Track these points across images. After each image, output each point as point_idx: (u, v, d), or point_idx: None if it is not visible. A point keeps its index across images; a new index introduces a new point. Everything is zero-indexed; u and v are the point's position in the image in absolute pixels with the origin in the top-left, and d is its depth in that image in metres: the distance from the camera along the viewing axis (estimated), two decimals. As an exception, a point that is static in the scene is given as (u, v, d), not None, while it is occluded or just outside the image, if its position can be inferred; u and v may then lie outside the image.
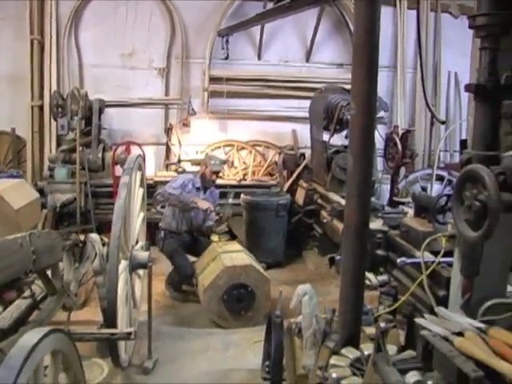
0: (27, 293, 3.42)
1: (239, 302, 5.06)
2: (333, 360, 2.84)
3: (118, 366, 3.86)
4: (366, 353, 2.80)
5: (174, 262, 5.71)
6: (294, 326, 3.67)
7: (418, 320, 2.10)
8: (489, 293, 2.70)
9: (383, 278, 4.41)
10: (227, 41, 6.32)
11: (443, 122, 6.29)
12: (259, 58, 8.59)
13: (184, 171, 7.52)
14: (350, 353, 2.86)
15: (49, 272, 3.41)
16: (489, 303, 2.65)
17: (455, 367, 1.78)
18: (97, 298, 4.88)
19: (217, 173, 6.09)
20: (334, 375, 2.65)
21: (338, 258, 5.01)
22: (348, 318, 3.05)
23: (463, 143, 2.02)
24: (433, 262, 3.39)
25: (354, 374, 2.66)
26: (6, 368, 1.60)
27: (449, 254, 3.45)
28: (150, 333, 4.30)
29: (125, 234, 3.94)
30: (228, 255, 5.31)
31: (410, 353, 2.39)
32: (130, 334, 3.42)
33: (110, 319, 3.55)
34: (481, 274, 2.73)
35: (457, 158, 8.76)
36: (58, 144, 7.78)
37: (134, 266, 4.28)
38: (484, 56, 1.78)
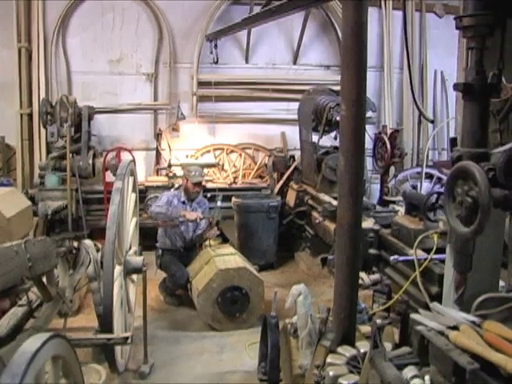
0: (23, 300, 3.43)
1: (233, 304, 5.09)
2: (329, 358, 2.87)
3: (114, 371, 3.87)
4: (362, 350, 2.85)
5: (170, 270, 5.73)
6: (289, 326, 3.71)
7: (413, 315, 2.13)
8: (482, 287, 2.76)
9: (375, 277, 4.45)
10: (215, 45, 6.34)
11: (432, 121, 6.37)
12: (247, 61, 8.63)
13: (175, 175, 7.52)
14: (346, 351, 2.90)
15: (44, 279, 3.43)
16: (482, 298, 2.70)
17: (451, 360, 1.81)
18: (91, 305, 4.91)
19: (198, 184, 6.07)
20: (331, 373, 2.69)
21: (330, 257, 5.06)
22: (343, 317, 3.08)
23: (453, 141, 2.07)
24: (425, 259, 3.44)
25: (351, 372, 2.71)
26: (9, 374, 1.62)
27: (440, 250, 3.51)
28: (146, 337, 4.31)
29: (118, 240, 3.95)
30: (221, 258, 5.34)
31: (405, 349, 2.42)
32: (126, 338, 3.44)
33: (106, 324, 3.56)
34: (473, 269, 2.79)
35: (445, 156, 8.86)
36: (48, 151, 7.76)
37: (129, 271, 4.29)
38: (471, 56, 1.83)
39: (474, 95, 1.83)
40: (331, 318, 3.26)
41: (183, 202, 6.00)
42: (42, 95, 7.73)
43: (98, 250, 4.24)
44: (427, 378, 1.95)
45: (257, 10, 7.62)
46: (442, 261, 3.40)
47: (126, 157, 7.13)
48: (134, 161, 6.69)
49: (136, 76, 8.32)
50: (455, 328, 2.00)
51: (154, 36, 8.27)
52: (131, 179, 4.52)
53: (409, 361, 2.20)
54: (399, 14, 8.57)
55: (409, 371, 2.03)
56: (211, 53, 6.34)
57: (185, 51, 8.34)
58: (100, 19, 8.05)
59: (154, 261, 5.99)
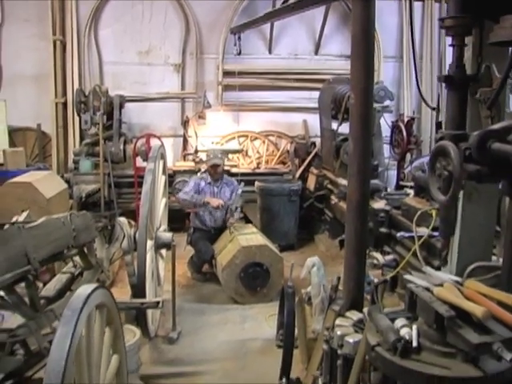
0: (66, 268, 3.87)
1: (255, 279, 5.47)
2: (338, 321, 3.23)
3: (146, 335, 4.29)
4: (367, 316, 3.20)
5: (197, 247, 6.12)
6: (304, 295, 4.07)
7: (406, 276, 2.46)
8: (475, 259, 3.08)
9: (390, 257, 4.77)
10: (239, 37, 6.67)
11: (434, 109, 6.53)
12: (270, 51, 8.97)
13: (201, 161, 7.89)
14: (354, 315, 3.25)
15: (85, 250, 3.85)
16: (473, 266, 3.03)
17: (433, 310, 2.15)
18: (123, 280, 5.37)
19: (215, 166, 6.35)
20: (339, 333, 3.05)
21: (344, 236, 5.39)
22: (352, 284, 3.43)
23: (438, 125, 2.39)
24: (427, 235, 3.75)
25: (357, 332, 3.06)
26: (69, 310, 2.02)
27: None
28: (174, 307, 4.72)
29: (150, 216, 4.35)
30: (244, 237, 5.73)
31: (400, 308, 2.76)
32: (158, 302, 3.86)
33: (139, 291, 3.97)
34: (467, 240, 3.11)
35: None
36: (81, 138, 8.23)
37: (159, 246, 4.70)
38: (453, 52, 2.14)
39: (455, 86, 2.16)
40: (341, 288, 3.63)
41: (209, 183, 6.36)
42: (76, 85, 8.20)
43: (131, 227, 4.68)
44: (414, 326, 2.29)
45: (280, 3, 7.98)
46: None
47: (155, 143, 7.55)
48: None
49: (164, 66, 8.73)
50: (441, 286, 2.33)
51: (181, 28, 8.65)
52: (161, 162, 4.91)
53: (401, 315, 2.54)
54: (418, 4, 8.80)
55: (399, 322, 2.36)
56: (235, 45, 6.67)
57: (210, 42, 8.71)
58: (130, 11, 8.46)
59: (182, 241, 6.39)
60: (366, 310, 3.33)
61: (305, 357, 4.03)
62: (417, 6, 8.81)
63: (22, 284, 2.77)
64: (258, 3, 8.43)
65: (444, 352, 2.10)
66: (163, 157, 4.99)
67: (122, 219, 4.65)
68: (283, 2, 4.40)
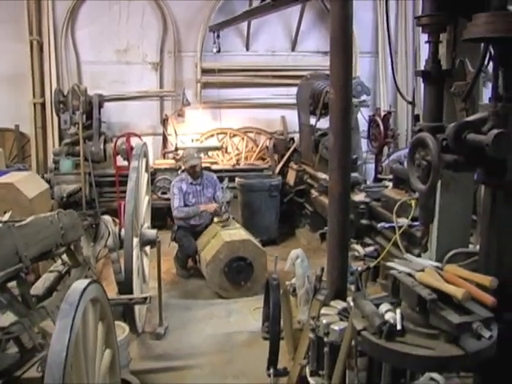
0: (53, 267, 3.91)
1: (239, 273, 5.54)
2: (323, 310, 3.34)
3: (133, 331, 4.34)
4: (351, 304, 3.31)
5: (180, 242, 6.18)
6: (288, 286, 4.17)
7: (389, 263, 2.57)
8: (453, 247, 3.21)
9: (370, 249, 4.89)
10: (218, 36, 6.73)
11: (410, 102, 6.73)
12: (247, 48, 9.05)
13: (181, 158, 7.91)
14: (338, 304, 3.36)
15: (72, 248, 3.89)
16: (451, 253, 3.16)
17: (416, 294, 2.25)
18: (107, 278, 5.40)
19: (194, 166, 6.37)
20: (325, 321, 3.15)
21: (326, 229, 5.51)
22: (335, 274, 3.55)
23: (416, 117, 2.50)
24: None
25: (342, 320, 3.17)
26: (66, 303, 2.08)
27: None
28: (161, 302, 4.77)
29: (135, 213, 4.40)
30: (227, 232, 5.81)
31: (384, 294, 2.87)
32: (146, 298, 3.92)
33: (127, 287, 4.02)
34: (445, 228, 3.25)
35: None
36: (60, 138, 8.21)
37: (144, 243, 4.75)
38: (428, 48, 2.25)
39: (431, 80, 2.27)
40: (325, 279, 3.73)
41: (191, 183, 6.41)
42: (54, 85, 8.18)
43: (115, 225, 4.72)
44: (398, 310, 2.40)
45: (257, 1, 8.06)
46: (423, 226, 3.85)
47: (136, 142, 7.57)
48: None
49: (142, 65, 8.77)
50: (422, 271, 2.44)
51: (158, 27, 8.69)
52: (144, 160, 4.95)
53: (385, 301, 2.65)
54: (393, 1, 8.97)
55: (384, 307, 2.46)
56: (214, 43, 6.74)
57: (188, 41, 8.77)
58: (107, 12, 8.47)
59: (165, 238, 6.43)
60: (349, 298, 3.46)
61: (291, 347, 4.13)
62: (391, 2, 8.96)
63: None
64: (234, 1, 8.50)
65: (427, 333, 2.21)
66: (146, 155, 5.04)
67: (107, 217, 4.70)
68: (262, 0, 4.48)
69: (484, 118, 2.22)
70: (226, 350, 4.52)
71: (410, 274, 2.43)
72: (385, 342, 2.21)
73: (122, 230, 4.56)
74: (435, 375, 2.49)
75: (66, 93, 7.75)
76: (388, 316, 2.31)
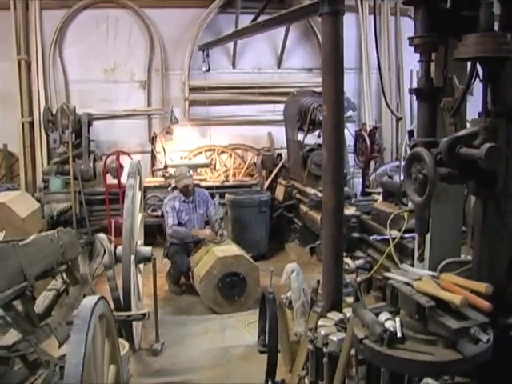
0: (51, 285, 3.93)
1: (232, 288, 5.60)
2: (320, 322, 3.42)
3: (131, 347, 4.37)
4: (348, 315, 3.40)
5: (173, 259, 6.22)
6: (284, 300, 4.24)
7: (386, 273, 2.67)
8: (445, 254, 3.32)
9: (360, 261, 5.00)
10: (207, 55, 6.84)
11: (400, 118, 6.92)
12: (234, 66, 9.18)
13: (171, 176, 7.97)
14: (335, 315, 3.46)
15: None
16: (444, 262, 3.26)
17: (414, 302, 2.35)
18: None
19: (187, 185, 6.43)
20: (323, 332, 3.24)
21: (318, 242, 5.61)
22: (331, 287, 3.64)
23: (411, 133, 2.62)
24: (399, 237, 4.00)
25: (339, 331, 3.25)
26: (79, 318, 2.13)
27: (412, 230, 4.08)
28: (157, 318, 4.81)
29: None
30: (219, 248, 5.88)
31: (382, 304, 2.96)
32: (144, 314, 3.95)
33: (125, 304, 4.06)
34: (437, 238, 3.35)
35: (422, 151, 9.46)
36: (49, 157, 8.23)
37: (139, 260, 4.79)
38: (421, 67, 2.38)
39: (424, 97, 2.39)
40: (320, 292, 3.82)
41: (184, 201, 6.45)
42: (42, 104, 8.21)
43: (110, 243, 4.76)
44: (397, 319, 2.49)
45: (242, 17, 8.21)
46: (414, 237, 3.97)
47: (130, 160, 7.62)
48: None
49: (130, 83, 8.84)
50: (419, 280, 2.54)
51: (145, 45, 8.79)
52: (138, 178, 5.01)
53: (384, 310, 2.74)
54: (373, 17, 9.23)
55: (383, 315, 2.55)
56: (204, 61, 6.84)
57: (175, 59, 8.88)
58: (94, 31, 8.56)
59: (156, 255, 6.46)
60: (345, 310, 3.55)
61: (288, 359, 4.19)
62: (372, 19, 9.20)
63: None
64: (221, 19, 8.72)
65: (426, 340, 2.31)
66: (140, 173, 5.10)
67: (102, 235, 4.74)
68: (252, 20, 4.60)
69: (474, 132, 2.35)
70: (224, 364, 4.56)
71: (407, 283, 2.52)
72: (386, 349, 2.29)
73: (118, 247, 4.61)
74: (432, 382, 2.57)
75: (54, 112, 7.78)
76: (388, 324, 2.40)
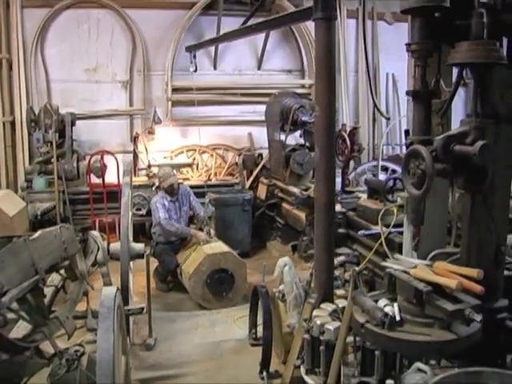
0: (49, 281, 4.01)
1: (221, 284, 5.73)
2: (315, 312, 3.60)
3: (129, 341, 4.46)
4: (340, 305, 3.58)
5: (161, 258, 6.29)
6: (277, 293, 4.40)
7: (383, 263, 2.85)
8: (433, 245, 3.52)
9: (341, 258, 5.18)
10: (194, 56, 6.96)
11: (388, 118, 7.13)
12: (215, 68, 9.31)
13: (154, 175, 8.05)
14: (328, 306, 3.64)
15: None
16: (433, 253, 3.47)
17: (413, 287, 2.54)
18: (93, 293, 5.48)
19: (172, 185, 6.49)
20: (318, 322, 3.41)
21: (304, 239, 5.79)
22: (323, 279, 3.82)
23: (407, 132, 2.81)
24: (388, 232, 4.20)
25: (334, 320, 3.43)
26: (104, 307, 2.25)
27: (398, 226, 4.28)
28: (150, 313, 4.90)
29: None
30: (207, 245, 6.00)
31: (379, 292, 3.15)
32: (142, 308, 4.07)
33: (124, 298, 4.15)
34: (427, 234, 3.55)
35: (397, 151, 9.77)
36: (30, 157, 8.22)
37: (133, 256, 4.87)
38: (417, 71, 2.57)
39: (420, 99, 2.59)
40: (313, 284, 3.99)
41: (171, 201, 6.52)
42: (24, 103, 8.19)
43: (103, 240, 4.85)
44: (395, 304, 2.67)
45: (224, 20, 8.35)
46: (400, 232, 4.17)
47: (109, 160, 7.69)
48: (117, 163, 7.33)
49: (112, 84, 8.88)
50: (414, 268, 2.73)
51: (127, 46, 8.83)
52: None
53: (382, 297, 2.93)
54: (353, 22, 9.48)
55: (382, 302, 2.73)
56: (191, 62, 6.96)
57: (157, 60, 8.95)
58: (76, 30, 8.57)
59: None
60: (337, 301, 3.74)
61: (281, 351, 4.35)
62: (351, 23, 9.46)
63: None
64: (203, 21, 8.85)
65: (423, 322, 2.51)
66: (130, 172, 5.19)
67: (95, 233, 4.82)
68: (243, 24, 4.75)
69: (464, 131, 2.56)
70: (216, 358, 4.70)
71: (405, 271, 2.71)
72: (387, 331, 2.48)
73: (111, 244, 4.71)
74: (422, 366, 2.76)
75: (37, 111, 7.78)
76: (387, 309, 2.59)
